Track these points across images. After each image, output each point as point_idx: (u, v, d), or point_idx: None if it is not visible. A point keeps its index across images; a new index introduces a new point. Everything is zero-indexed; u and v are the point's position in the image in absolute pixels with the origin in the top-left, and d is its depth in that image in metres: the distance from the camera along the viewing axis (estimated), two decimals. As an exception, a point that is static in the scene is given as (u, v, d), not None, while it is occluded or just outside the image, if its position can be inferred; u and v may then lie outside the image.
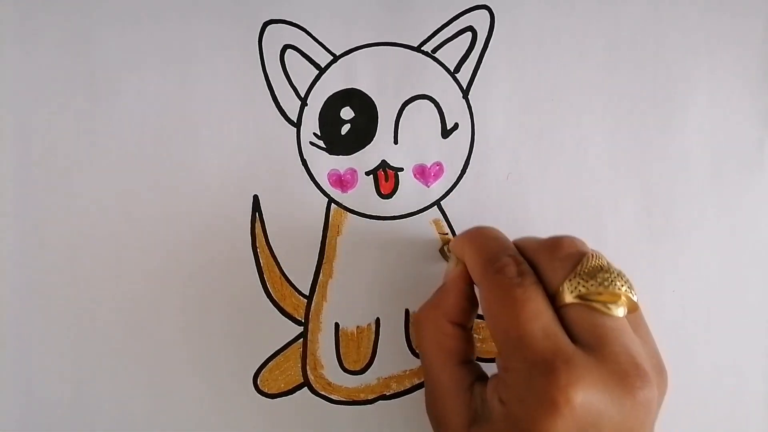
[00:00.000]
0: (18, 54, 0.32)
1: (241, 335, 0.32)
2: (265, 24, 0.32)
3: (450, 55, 0.33)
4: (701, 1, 0.33)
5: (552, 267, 0.26)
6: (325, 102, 0.33)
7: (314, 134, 0.33)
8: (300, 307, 0.33)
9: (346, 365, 0.33)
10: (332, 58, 0.33)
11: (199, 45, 0.32)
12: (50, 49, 0.32)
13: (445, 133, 0.33)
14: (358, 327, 0.33)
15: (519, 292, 0.25)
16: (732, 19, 0.33)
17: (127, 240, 0.32)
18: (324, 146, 0.33)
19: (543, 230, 0.33)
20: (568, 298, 0.25)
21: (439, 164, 0.33)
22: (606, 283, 0.25)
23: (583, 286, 0.25)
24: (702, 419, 0.33)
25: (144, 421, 0.32)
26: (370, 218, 0.33)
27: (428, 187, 0.33)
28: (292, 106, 0.33)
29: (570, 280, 0.25)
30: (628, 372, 0.23)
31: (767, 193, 0.33)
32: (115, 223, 0.32)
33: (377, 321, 0.33)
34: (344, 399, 0.33)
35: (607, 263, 0.26)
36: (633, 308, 0.26)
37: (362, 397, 0.33)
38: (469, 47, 0.33)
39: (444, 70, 0.33)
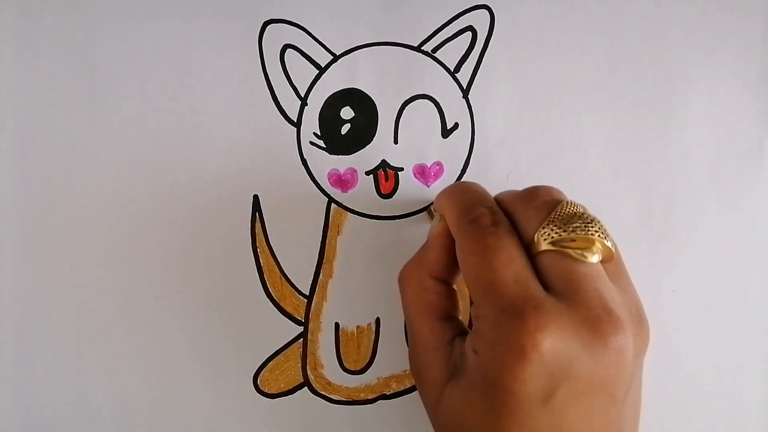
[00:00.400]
0: (18, 54, 0.32)
1: (241, 335, 0.32)
2: (265, 24, 0.32)
3: (450, 54, 0.33)
4: (701, 1, 0.33)
5: (527, 216, 0.26)
6: (325, 102, 0.33)
7: (314, 134, 0.33)
8: (300, 306, 0.33)
9: (346, 365, 0.33)
10: (332, 57, 0.33)
11: (199, 45, 0.32)
12: (50, 50, 0.32)
13: (445, 132, 0.33)
14: (358, 327, 0.33)
15: (491, 240, 0.25)
16: (732, 19, 0.33)
17: (127, 240, 0.32)
18: (324, 146, 0.33)
19: (543, 230, 0.33)
20: (542, 245, 0.25)
21: (439, 164, 0.33)
22: (579, 230, 0.24)
23: (556, 233, 0.24)
24: (702, 419, 0.33)
25: (144, 421, 0.32)
26: (371, 218, 0.33)
27: (428, 186, 0.33)
28: (292, 106, 0.33)
29: (544, 227, 0.25)
30: (600, 317, 0.23)
31: (767, 192, 0.33)
32: (115, 223, 0.32)
33: (377, 321, 0.33)
34: (344, 399, 0.33)
35: (583, 210, 0.25)
36: (608, 256, 0.25)
37: (362, 396, 0.33)
38: (469, 47, 0.33)
39: (444, 70, 0.33)
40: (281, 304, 0.33)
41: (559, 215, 0.25)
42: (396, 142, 0.33)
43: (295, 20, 0.32)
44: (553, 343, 0.22)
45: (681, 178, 0.33)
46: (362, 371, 0.33)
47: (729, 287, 0.33)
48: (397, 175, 0.33)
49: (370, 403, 0.33)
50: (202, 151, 0.32)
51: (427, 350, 0.27)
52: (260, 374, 0.33)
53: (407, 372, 0.33)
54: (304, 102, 0.33)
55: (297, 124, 0.33)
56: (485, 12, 0.32)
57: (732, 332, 0.33)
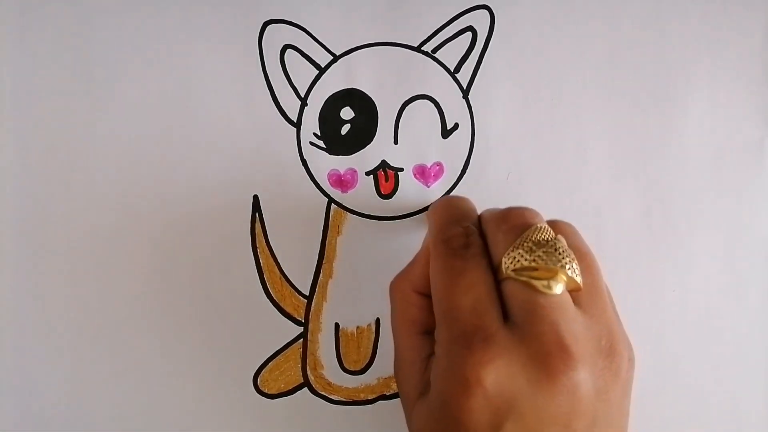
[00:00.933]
0: (17, 54, 0.32)
1: (241, 335, 0.32)
2: (265, 24, 0.32)
3: (450, 55, 0.33)
4: (701, 1, 0.33)
5: (496, 239, 0.25)
6: (325, 102, 0.33)
7: (314, 134, 0.33)
8: (300, 307, 0.33)
9: (346, 365, 0.33)
10: (332, 58, 0.32)
11: (199, 45, 0.32)
12: (50, 50, 0.32)
13: (445, 133, 0.33)
14: (358, 327, 0.33)
15: (458, 263, 0.24)
16: (732, 19, 0.33)
17: (126, 240, 0.32)
18: (324, 146, 0.33)
19: (543, 230, 0.33)
20: (506, 271, 0.24)
21: (439, 164, 0.33)
22: (543, 258, 0.23)
23: (519, 261, 0.24)
24: (702, 419, 0.33)
25: (144, 421, 0.32)
26: (370, 218, 0.33)
27: (428, 187, 0.33)
28: (292, 106, 0.33)
29: (509, 253, 0.24)
30: (551, 353, 0.22)
31: (767, 192, 0.33)
32: (115, 223, 0.32)
33: (377, 321, 0.33)
34: (344, 399, 0.33)
35: (551, 237, 0.25)
36: (575, 287, 0.24)
37: (362, 397, 0.33)
38: (469, 47, 0.33)
39: (444, 70, 0.33)
40: (281, 304, 0.33)
41: (526, 239, 0.24)
42: (396, 142, 0.33)
43: (295, 20, 0.32)
44: (498, 378, 0.22)
45: (681, 177, 0.33)
46: (362, 371, 0.33)
47: (729, 287, 0.33)
48: (397, 175, 0.33)
49: (370, 403, 0.33)
50: (202, 152, 0.32)
51: (405, 363, 0.27)
52: (260, 374, 0.33)
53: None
54: (304, 102, 0.33)
55: (297, 125, 0.33)
56: (485, 12, 0.32)
57: (732, 332, 0.33)
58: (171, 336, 0.32)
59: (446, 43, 0.32)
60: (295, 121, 0.33)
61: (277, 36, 0.32)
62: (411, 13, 0.32)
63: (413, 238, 0.33)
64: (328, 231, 0.33)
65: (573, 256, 0.24)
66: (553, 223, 0.27)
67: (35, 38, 0.32)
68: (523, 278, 0.23)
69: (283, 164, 0.33)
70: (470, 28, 0.32)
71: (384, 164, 0.33)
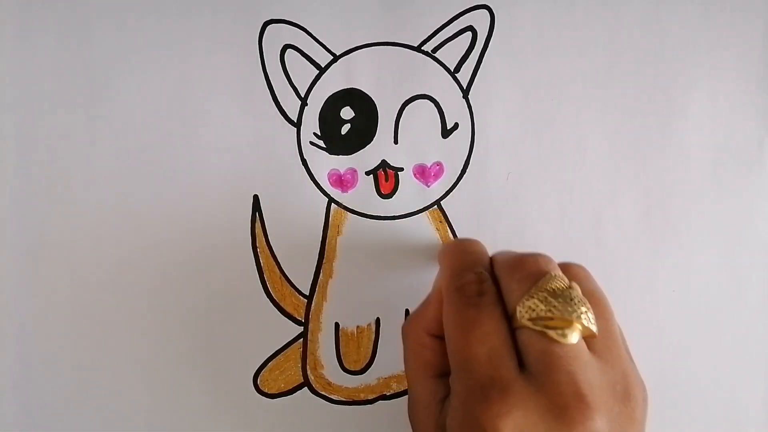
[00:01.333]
0: (17, 54, 0.32)
1: (241, 335, 0.32)
2: (265, 24, 0.32)
3: (450, 54, 0.33)
4: (701, 1, 0.33)
5: (511, 287, 0.25)
6: (325, 102, 0.33)
7: (314, 134, 0.33)
8: (300, 307, 0.33)
9: (346, 365, 0.33)
10: (332, 57, 0.32)
11: (199, 45, 0.32)
12: (50, 50, 0.32)
13: (445, 132, 0.33)
14: (358, 327, 0.33)
15: (472, 313, 0.24)
16: (732, 19, 0.33)
17: (126, 240, 0.32)
18: (324, 146, 0.33)
19: (543, 231, 0.33)
20: (521, 320, 0.24)
21: (439, 164, 0.33)
22: (558, 308, 0.24)
23: (534, 310, 0.24)
24: (702, 419, 0.33)
25: (144, 421, 0.32)
26: (371, 218, 0.33)
27: (428, 186, 0.33)
28: (292, 106, 0.33)
29: (524, 302, 0.24)
30: (568, 404, 0.22)
31: (766, 192, 0.33)
32: (115, 223, 0.32)
33: (377, 321, 0.33)
34: (344, 399, 0.33)
35: (566, 286, 0.25)
36: (590, 334, 0.24)
37: (362, 397, 0.33)
38: (469, 47, 0.33)
39: (444, 70, 0.33)
40: (281, 304, 0.33)
41: (541, 289, 0.24)
42: (396, 142, 0.33)
43: (295, 20, 0.32)
44: (516, 429, 0.22)
45: (681, 178, 0.33)
46: (362, 371, 0.33)
47: (729, 287, 0.33)
48: (397, 175, 0.33)
49: (370, 403, 0.33)
50: (202, 151, 0.32)
51: (419, 406, 0.27)
52: (260, 374, 0.33)
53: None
54: (304, 102, 0.33)
55: (297, 125, 0.33)
56: (485, 12, 0.32)
57: (732, 332, 0.33)
58: (171, 335, 0.32)
59: (446, 42, 0.32)
60: (296, 120, 0.33)
61: (277, 36, 0.32)
62: (411, 13, 0.32)
63: (413, 238, 0.33)
64: (328, 231, 0.33)
65: (588, 304, 0.24)
66: (565, 267, 0.27)
67: (35, 38, 0.32)
68: (539, 328, 0.24)
69: (283, 164, 0.33)
70: (470, 28, 0.32)
71: (384, 164, 0.33)
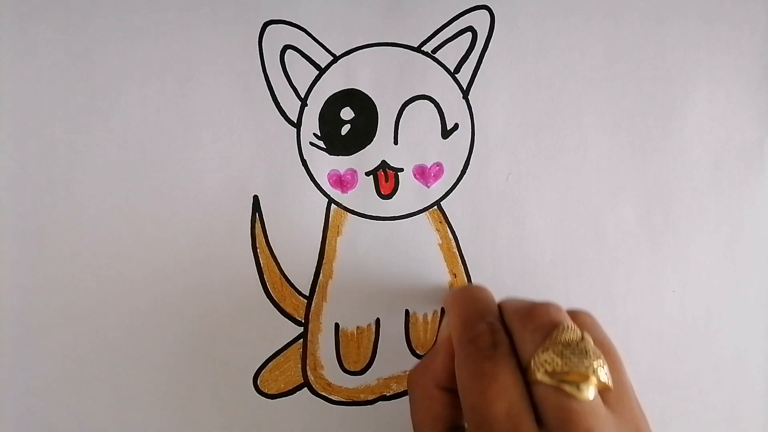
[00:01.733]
0: (18, 55, 0.32)
1: (241, 336, 0.32)
2: (265, 24, 0.32)
3: (450, 55, 0.33)
4: (701, 2, 0.33)
5: (524, 338, 0.25)
6: (325, 102, 0.33)
7: (314, 134, 0.33)
8: (300, 307, 0.33)
9: (346, 366, 0.33)
10: (332, 58, 0.32)
11: (199, 45, 0.32)
12: (50, 50, 0.32)
13: (445, 133, 0.33)
14: (358, 327, 0.33)
15: (488, 366, 0.24)
16: (732, 20, 0.33)
17: (127, 241, 0.32)
18: (324, 146, 0.33)
19: (543, 231, 0.33)
20: (537, 374, 0.24)
21: (439, 164, 0.33)
22: (575, 361, 0.23)
23: (550, 364, 0.24)
24: (702, 419, 0.34)
25: (144, 421, 0.32)
26: (370, 219, 0.33)
27: (428, 187, 0.33)
28: (292, 107, 0.33)
29: (538, 356, 0.24)
30: None
31: (766, 192, 0.33)
32: (115, 224, 0.32)
33: (377, 321, 0.33)
34: (344, 399, 0.33)
35: (579, 338, 0.24)
36: (605, 388, 0.24)
37: (362, 397, 0.33)
38: (469, 47, 0.33)
39: (444, 71, 0.33)
40: (281, 304, 0.33)
41: (555, 342, 0.24)
42: (396, 142, 0.33)
43: (295, 21, 0.32)
44: None
45: (681, 178, 0.33)
46: (362, 372, 0.33)
47: (729, 287, 0.33)
48: (397, 175, 0.33)
49: (370, 404, 0.33)
50: (202, 152, 0.32)
51: None
52: (260, 375, 0.33)
53: (407, 373, 0.33)
54: (304, 102, 0.33)
55: (297, 125, 0.33)
56: (485, 12, 0.32)
57: (732, 332, 0.34)
58: (171, 336, 0.32)
59: (446, 43, 0.32)
60: (295, 121, 0.33)
61: (277, 36, 0.32)
62: (411, 13, 0.32)
63: (413, 239, 0.33)
64: (328, 231, 0.33)
65: (602, 357, 0.24)
66: (574, 316, 0.27)
67: (35, 38, 0.32)
68: (555, 383, 0.23)
69: (283, 165, 0.33)
70: (470, 29, 0.32)
71: (384, 164, 0.33)
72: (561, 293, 0.33)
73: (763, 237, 0.33)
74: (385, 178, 0.33)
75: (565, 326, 0.25)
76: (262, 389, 0.33)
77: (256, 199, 0.32)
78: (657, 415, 0.33)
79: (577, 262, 0.33)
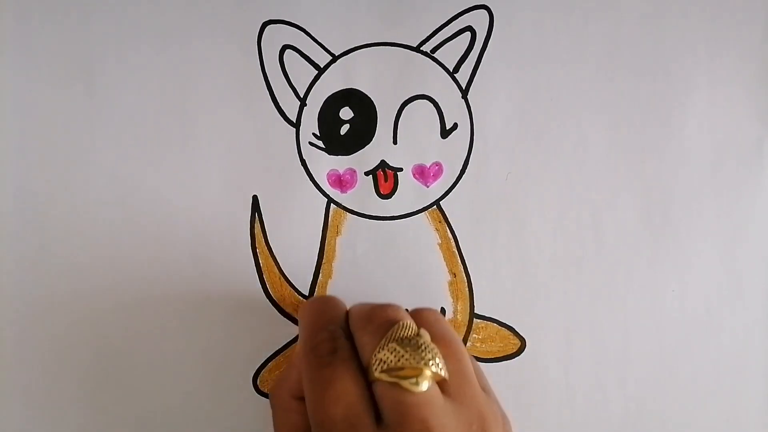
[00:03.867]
0: (18, 55, 0.32)
1: (240, 336, 0.32)
2: (264, 24, 0.32)
3: (449, 55, 0.32)
4: (701, 1, 0.33)
5: (363, 340, 0.25)
6: (324, 102, 0.33)
7: (313, 134, 0.33)
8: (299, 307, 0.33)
9: (345, 365, 0.33)
10: (331, 58, 0.32)
11: (198, 45, 0.32)
12: (49, 50, 0.32)
13: (445, 133, 0.33)
14: (357, 327, 0.33)
15: (327, 373, 0.24)
16: (731, 19, 0.33)
17: (126, 241, 0.32)
18: (323, 146, 0.33)
19: (542, 230, 0.33)
20: (374, 373, 0.24)
21: (438, 164, 0.33)
22: (407, 357, 0.24)
23: (385, 362, 0.24)
24: (702, 419, 0.33)
25: (144, 421, 0.32)
26: (370, 218, 0.33)
27: (427, 187, 0.33)
28: (291, 106, 0.33)
29: (375, 355, 0.24)
30: None
31: (766, 192, 0.33)
32: (115, 224, 0.32)
33: (377, 321, 0.33)
34: (344, 399, 0.33)
35: (414, 333, 0.25)
36: (440, 379, 0.24)
37: (362, 397, 0.33)
38: (468, 47, 0.33)
39: (443, 70, 0.33)
40: (281, 304, 0.33)
41: (390, 339, 0.25)
42: (395, 142, 0.33)
43: (294, 21, 0.32)
44: None
45: (680, 177, 0.33)
46: (362, 371, 0.33)
47: (728, 286, 0.33)
48: (396, 175, 0.33)
49: (370, 403, 0.33)
50: (201, 152, 0.32)
51: None
52: (260, 374, 0.33)
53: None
54: (303, 102, 0.33)
55: (296, 125, 0.33)
56: (484, 12, 0.32)
57: (731, 331, 0.33)
58: (171, 336, 0.32)
59: (445, 43, 0.32)
60: (295, 121, 0.33)
61: (277, 36, 0.32)
62: (410, 13, 0.32)
63: (412, 238, 0.33)
64: (328, 231, 0.33)
65: (436, 349, 0.25)
66: (416, 314, 0.27)
67: (35, 38, 0.32)
68: (392, 379, 0.24)
69: (282, 164, 0.33)
70: (469, 28, 0.32)
71: (383, 164, 0.33)
72: (560, 293, 0.33)
73: (763, 236, 0.33)
74: (385, 178, 0.33)
75: (401, 324, 0.25)
76: (262, 389, 0.33)
77: (255, 199, 0.33)
78: (657, 415, 0.33)
79: (576, 262, 0.33)
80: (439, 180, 0.33)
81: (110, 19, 0.32)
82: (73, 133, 0.32)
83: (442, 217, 0.33)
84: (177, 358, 0.32)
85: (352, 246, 0.33)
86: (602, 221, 0.33)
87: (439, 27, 0.32)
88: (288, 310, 0.33)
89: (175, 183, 0.32)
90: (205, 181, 0.32)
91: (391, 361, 0.24)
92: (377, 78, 0.32)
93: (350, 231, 0.33)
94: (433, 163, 0.33)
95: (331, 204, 0.33)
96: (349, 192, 0.33)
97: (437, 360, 0.24)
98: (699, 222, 0.33)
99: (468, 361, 0.26)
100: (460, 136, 0.33)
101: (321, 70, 0.32)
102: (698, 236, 0.33)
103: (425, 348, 0.24)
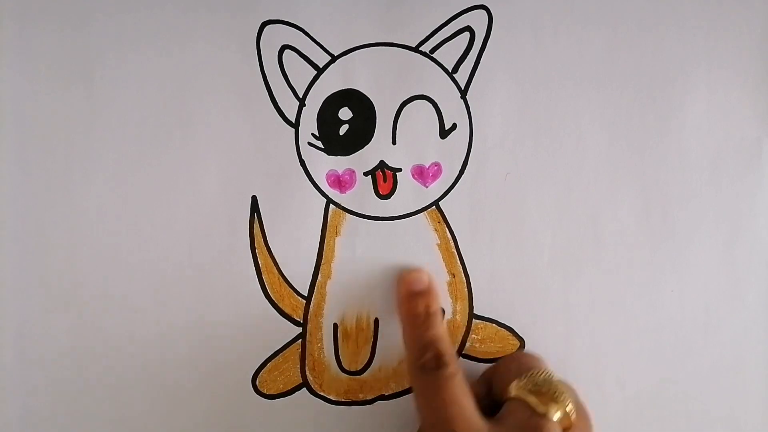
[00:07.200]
0: (18, 55, 0.32)
1: (239, 336, 0.32)
2: (263, 24, 0.32)
3: (448, 55, 0.32)
4: (699, 2, 0.33)
5: (508, 368, 0.30)
6: (323, 102, 0.33)
7: (312, 135, 0.33)
8: (299, 307, 0.33)
9: (344, 366, 0.33)
10: (330, 58, 0.32)
11: (196, 45, 0.32)
12: (49, 50, 0.32)
13: (444, 133, 0.33)
14: (356, 327, 0.33)
15: (437, 380, 0.28)
16: (730, 19, 0.33)
17: (126, 242, 0.32)
18: (322, 147, 0.33)
19: (542, 230, 0.33)
20: (513, 391, 0.29)
21: (437, 164, 0.33)
22: (552, 388, 0.28)
23: (529, 386, 0.28)
24: (701, 419, 0.33)
25: (143, 421, 0.32)
26: (369, 219, 0.33)
27: (426, 187, 0.33)
28: (290, 107, 0.33)
29: (520, 379, 0.29)
30: None
31: (765, 192, 0.33)
32: (114, 225, 0.32)
33: (376, 321, 0.33)
34: (343, 399, 0.33)
35: (556, 378, 0.29)
36: (568, 424, 0.28)
37: (361, 397, 0.33)
38: (467, 47, 0.32)
39: (442, 71, 0.33)
40: (280, 305, 0.33)
41: (536, 373, 0.29)
42: (394, 142, 0.33)
43: (293, 21, 0.32)
44: None
45: (680, 178, 0.33)
46: (361, 372, 0.33)
47: (728, 287, 0.33)
48: (396, 175, 0.33)
49: (369, 403, 0.33)
50: (201, 152, 0.32)
51: None
52: (259, 375, 0.33)
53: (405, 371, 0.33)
54: (302, 103, 0.33)
55: (295, 125, 0.33)
56: (483, 12, 0.32)
57: (730, 331, 0.33)
58: (170, 336, 0.32)
59: (444, 43, 0.32)
60: (294, 121, 0.33)
61: (275, 36, 0.32)
62: (409, 13, 0.32)
63: (411, 239, 0.33)
64: (327, 231, 0.33)
65: (573, 400, 0.28)
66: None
67: (35, 40, 0.32)
68: (530, 398, 0.28)
69: (281, 165, 0.32)
70: (468, 28, 0.32)
71: (382, 164, 0.33)
72: (559, 293, 0.33)
73: (762, 236, 0.33)
74: (384, 178, 0.33)
75: (546, 369, 0.30)
76: (261, 390, 0.33)
77: (254, 199, 0.33)
78: (656, 414, 0.33)
79: (575, 262, 0.33)
80: (438, 180, 0.33)
81: (109, 20, 0.32)
82: (73, 133, 0.32)
83: (441, 218, 0.33)
84: (176, 358, 0.32)
85: (351, 246, 0.33)
86: (601, 222, 0.33)
87: (438, 27, 0.32)
88: (287, 310, 0.33)
89: (174, 183, 0.32)
90: (204, 181, 0.32)
91: (537, 385, 0.28)
92: (376, 78, 0.32)
93: (349, 231, 0.33)
94: (432, 164, 0.33)
95: (330, 204, 0.33)
96: (348, 192, 0.33)
97: (571, 406, 0.28)
98: (698, 222, 0.33)
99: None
100: (459, 137, 0.33)
101: (320, 71, 0.32)
102: (697, 236, 0.33)
103: (564, 391, 0.28)
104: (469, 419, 0.27)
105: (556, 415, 0.27)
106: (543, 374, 0.29)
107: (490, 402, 0.30)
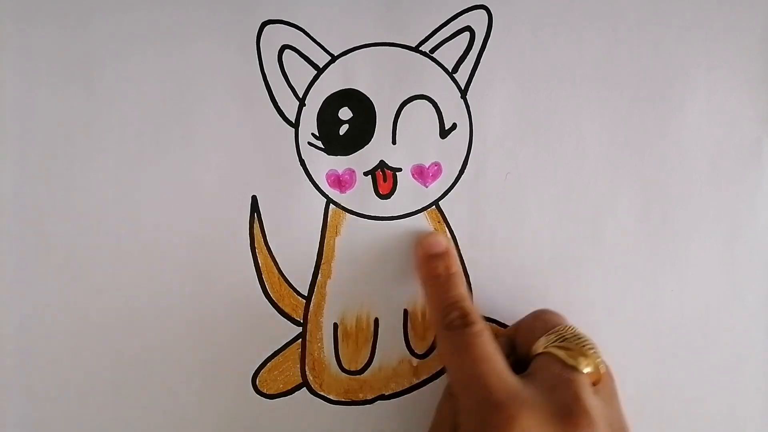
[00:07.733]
0: (18, 55, 0.32)
1: (239, 336, 0.32)
2: (263, 24, 0.32)
3: (448, 55, 0.32)
4: (699, 1, 0.33)
5: (533, 326, 0.30)
6: (323, 102, 0.33)
7: (312, 134, 0.33)
8: (299, 307, 0.33)
9: (345, 365, 0.33)
10: (330, 58, 0.32)
11: (196, 45, 0.32)
12: (49, 50, 0.32)
13: (444, 133, 0.33)
14: (356, 327, 0.33)
15: (465, 338, 0.28)
16: (730, 19, 0.33)
17: (125, 241, 0.32)
18: (322, 146, 0.33)
19: (542, 230, 0.33)
20: (541, 347, 0.28)
21: (437, 164, 0.33)
22: (576, 342, 0.28)
23: (557, 342, 0.28)
24: (701, 419, 0.33)
25: (143, 421, 0.32)
26: (369, 218, 0.33)
27: (426, 187, 0.33)
28: (290, 107, 0.33)
29: (547, 336, 0.29)
30: (573, 411, 0.25)
31: (765, 192, 0.33)
32: (114, 224, 0.32)
33: (376, 321, 0.33)
34: (343, 399, 0.33)
35: (585, 334, 0.29)
36: (597, 378, 0.28)
37: (361, 397, 0.33)
38: (467, 47, 0.32)
39: (442, 70, 0.33)
40: (280, 304, 0.33)
41: (565, 329, 0.29)
42: (394, 142, 0.33)
43: (293, 21, 0.32)
44: (527, 429, 0.25)
45: (680, 177, 0.33)
46: (361, 371, 0.33)
47: (727, 287, 0.33)
48: (396, 175, 0.33)
49: (369, 403, 0.33)
50: (201, 152, 0.32)
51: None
52: (259, 375, 0.33)
53: (407, 370, 0.33)
54: (302, 102, 0.33)
55: (295, 125, 0.33)
56: (483, 12, 0.32)
57: (730, 331, 0.33)
58: (170, 336, 0.32)
59: (444, 43, 0.32)
60: (294, 121, 0.33)
61: (275, 36, 0.32)
62: (409, 13, 0.32)
63: (412, 238, 0.33)
64: (327, 231, 0.33)
65: (600, 352, 0.28)
66: None
67: (35, 40, 0.32)
68: (561, 353, 0.28)
69: (281, 165, 0.33)
70: (468, 28, 0.32)
71: (382, 164, 0.33)
72: (559, 292, 0.33)
73: (761, 236, 0.33)
74: (384, 178, 0.33)
75: (573, 326, 0.30)
76: (261, 389, 0.33)
77: (254, 199, 0.33)
78: (656, 414, 0.33)
79: (575, 262, 0.33)
80: (438, 180, 0.33)
81: (109, 20, 0.32)
82: (73, 133, 0.32)
83: (441, 217, 0.33)
84: (176, 358, 0.32)
85: (351, 246, 0.33)
86: (601, 221, 0.33)
87: (438, 27, 0.32)
88: (287, 310, 0.33)
89: (174, 183, 0.32)
90: (204, 181, 0.32)
91: (565, 341, 0.28)
92: (376, 78, 0.32)
93: (349, 231, 0.33)
94: (432, 163, 0.33)
95: (330, 204, 0.33)
96: (348, 192, 0.33)
97: (601, 359, 0.28)
98: (698, 222, 0.33)
99: (617, 390, 0.29)
100: (459, 136, 0.33)
101: (320, 71, 0.32)
102: (697, 236, 0.33)
103: (594, 346, 0.28)
104: (501, 374, 0.27)
105: (587, 369, 0.27)
106: (570, 329, 0.29)
107: (514, 361, 0.30)
